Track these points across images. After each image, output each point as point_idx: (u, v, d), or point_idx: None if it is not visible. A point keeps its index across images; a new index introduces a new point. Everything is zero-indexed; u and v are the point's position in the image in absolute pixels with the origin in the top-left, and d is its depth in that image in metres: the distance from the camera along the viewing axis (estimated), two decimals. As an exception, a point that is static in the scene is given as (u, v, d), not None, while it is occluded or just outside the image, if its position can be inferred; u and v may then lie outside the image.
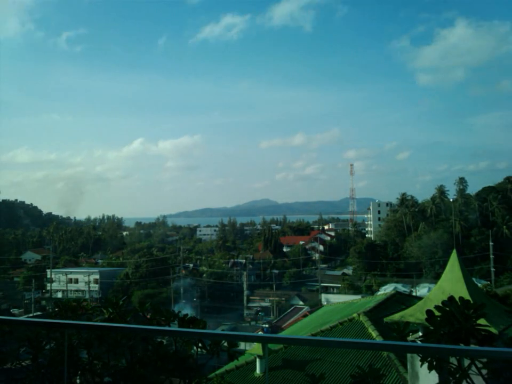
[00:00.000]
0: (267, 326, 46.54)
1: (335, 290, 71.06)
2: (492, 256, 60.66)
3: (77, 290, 73.63)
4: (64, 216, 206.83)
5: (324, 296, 61.99)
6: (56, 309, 4.73)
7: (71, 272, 76.19)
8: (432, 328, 3.05)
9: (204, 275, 72.05)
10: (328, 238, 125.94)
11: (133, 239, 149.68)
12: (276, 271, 79.63)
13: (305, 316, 37.00)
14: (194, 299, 65.46)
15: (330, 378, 13.24)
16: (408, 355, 6.50)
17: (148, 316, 4.60)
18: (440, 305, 3.08)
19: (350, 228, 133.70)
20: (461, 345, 2.95)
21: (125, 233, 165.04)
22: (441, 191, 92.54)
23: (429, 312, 3.15)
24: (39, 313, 51.28)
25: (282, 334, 16.81)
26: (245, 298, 66.76)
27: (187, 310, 49.41)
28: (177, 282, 67.69)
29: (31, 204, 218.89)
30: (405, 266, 75.23)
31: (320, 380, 3.70)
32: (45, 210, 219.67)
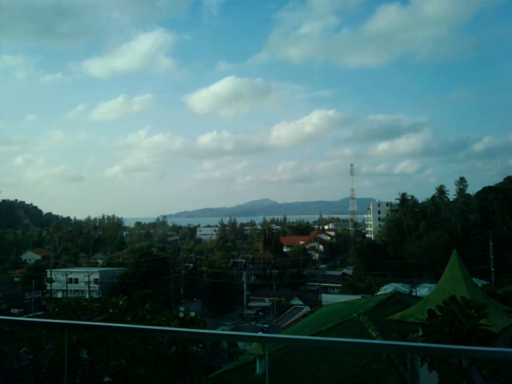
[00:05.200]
0: (267, 326, 46.51)
1: (335, 290, 71.04)
2: (491, 256, 60.65)
3: (77, 290, 73.59)
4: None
5: (324, 296, 61.97)
6: (56, 309, 4.73)
7: (71, 272, 76.12)
8: (432, 328, 3.05)
9: (204, 275, 72.02)
10: (328, 238, 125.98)
11: (133, 239, 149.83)
12: (276, 271, 79.60)
13: (305, 315, 36.97)
14: (195, 299, 65.45)
15: (330, 378, 13.24)
16: (408, 355, 6.47)
17: (148, 316, 4.61)
18: (442, 304, 3.07)
19: (350, 228, 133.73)
20: (461, 345, 2.95)
21: (125, 233, 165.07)
22: (441, 191, 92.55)
23: (430, 311, 3.15)
24: (39, 313, 51.27)
25: (282, 334, 16.79)
26: (245, 298, 66.74)
27: (190, 311, 49.44)
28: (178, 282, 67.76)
29: (31, 204, 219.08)
30: (405, 266, 75.17)
31: (320, 379, 3.70)
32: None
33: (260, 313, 61.92)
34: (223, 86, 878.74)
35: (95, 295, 67.98)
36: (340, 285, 71.38)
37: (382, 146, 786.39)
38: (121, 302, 4.63)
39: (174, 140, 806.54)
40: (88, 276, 70.93)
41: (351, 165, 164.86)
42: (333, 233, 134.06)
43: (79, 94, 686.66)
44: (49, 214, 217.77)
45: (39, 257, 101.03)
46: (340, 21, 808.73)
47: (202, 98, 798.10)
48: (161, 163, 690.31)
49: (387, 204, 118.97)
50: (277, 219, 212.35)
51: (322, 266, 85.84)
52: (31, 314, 49.19)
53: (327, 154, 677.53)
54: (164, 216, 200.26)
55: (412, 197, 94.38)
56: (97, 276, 74.37)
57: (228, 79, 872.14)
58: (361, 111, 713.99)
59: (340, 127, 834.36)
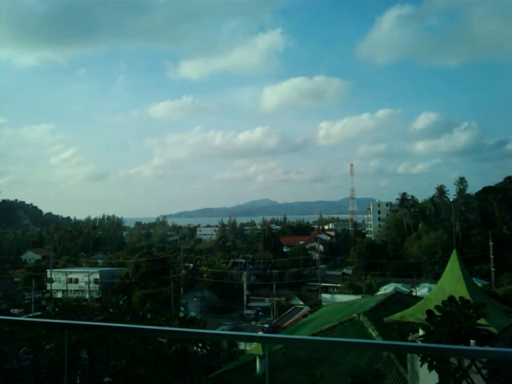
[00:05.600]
0: (267, 326, 46.49)
1: (335, 290, 71.02)
2: (492, 256, 60.62)
3: (77, 290, 73.58)
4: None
5: (323, 296, 61.95)
6: (56, 309, 4.73)
7: (71, 272, 76.12)
8: (432, 328, 3.05)
9: (204, 275, 72.00)
10: (328, 238, 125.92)
11: (133, 239, 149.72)
12: (276, 271, 79.57)
13: (305, 315, 36.98)
14: (195, 299, 65.42)
15: (330, 378, 13.25)
16: (408, 355, 6.51)
17: (148, 316, 4.61)
18: (440, 305, 3.08)
19: (350, 228, 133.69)
20: (461, 345, 2.95)
21: (125, 233, 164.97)
22: (441, 191, 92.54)
23: (429, 312, 3.16)
24: (39, 313, 51.24)
25: (282, 334, 16.80)
26: (245, 298, 66.71)
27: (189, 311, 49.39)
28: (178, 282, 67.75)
29: (31, 204, 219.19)
30: (405, 266, 75.17)
31: (320, 379, 3.70)
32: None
33: (260, 313, 61.90)
34: (301, 84, 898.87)
35: (95, 295, 67.97)
36: (340, 285, 71.34)
37: (420, 145, 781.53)
38: (121, 302, 4.63)
39: (220, 138, 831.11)
40: (88, 275, 70.89)
41: (351, 165, 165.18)
42: (333, 233, 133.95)
43: (160, 94, 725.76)
44: (49, 214, 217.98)
45: (39, 257, 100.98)
46: (443, 20, 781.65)
47: (272, 97, 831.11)
48: (191, 162, 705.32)
49: (387, 204, 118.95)
50: (277, 219, 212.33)
51: (322, 266, 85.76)
52: (31, 314, 49.16)
53: (360, 154, 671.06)
54: (164, 216, 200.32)
55: (412, 197, 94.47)
56: (97, 276, 74.34)
57: (304, 78, 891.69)
58: (417, 109, 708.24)
59: (389, 126, 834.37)
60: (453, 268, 12.58)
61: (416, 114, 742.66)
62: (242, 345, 24.29)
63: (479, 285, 27.42)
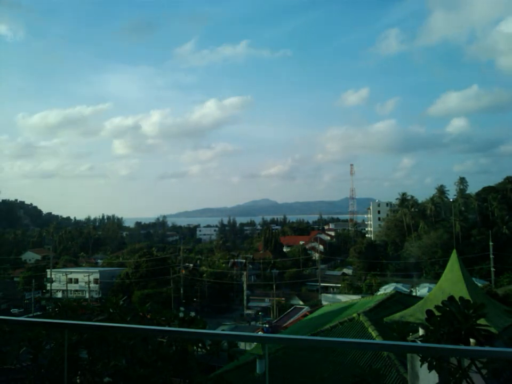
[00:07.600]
0: (267, 326, 46.48)
1: (335, 290, 71.01)
2: (492, 256, 60.60)
3: (77, 290, 73.60)
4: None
5: (324, 296, 61.93)
6: (56, 309, 4.73)
7: (71, 272, 76.14)
8: (432, 328, 3.05)
9: (204, 275, 71.99)
10: (328, 238, 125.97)
11: (133, 239, 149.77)
12: (276, 271, 79.57)
13: (305, 316, 36.99)
14: (195, 299, 65.40)
15: (330, 378, 13.24)
16: (408, 355, 6.51)
17: (148, 316, 4.60)
18: (440, 305, 3.08)
19: (350, 228, 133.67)
20: (461, 345, 2.95)
21: (125, 233, 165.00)
22: (441, 191, 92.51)
23: (429, 312, 3.16)
24: (39, 313, 51.25)
25: (282, 334, 16.78)
26: (245, 298, 66.71)
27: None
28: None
29: (31, 204, 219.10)
30: (405, 266, 75.17)
31: (320, 380, 3.71)
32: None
33: (260, 313, 61.91)
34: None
35: (95, 295, 67.98)
36: (340, 285, 71.33)
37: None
38: (121, 302, 4.63)
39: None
40: (88, 275, 70.89)
41: (351, 164, 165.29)
42: (333, 233, 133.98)
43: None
44: (49, 214, 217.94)
45: (39, 257, 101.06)
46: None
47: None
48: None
49: (387, 204, 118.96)
50: (277, 219, 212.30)
51: (322, 266, 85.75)
52: (31, 314, 49.16)
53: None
54: (164, 216, 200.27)
55: (412, 196, 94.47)
56: (97, 276, 74.35)
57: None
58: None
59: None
60: (452, 268, 12.60)
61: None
62: (242, 345, 24.32)
63: (479, 285, 27.43)
